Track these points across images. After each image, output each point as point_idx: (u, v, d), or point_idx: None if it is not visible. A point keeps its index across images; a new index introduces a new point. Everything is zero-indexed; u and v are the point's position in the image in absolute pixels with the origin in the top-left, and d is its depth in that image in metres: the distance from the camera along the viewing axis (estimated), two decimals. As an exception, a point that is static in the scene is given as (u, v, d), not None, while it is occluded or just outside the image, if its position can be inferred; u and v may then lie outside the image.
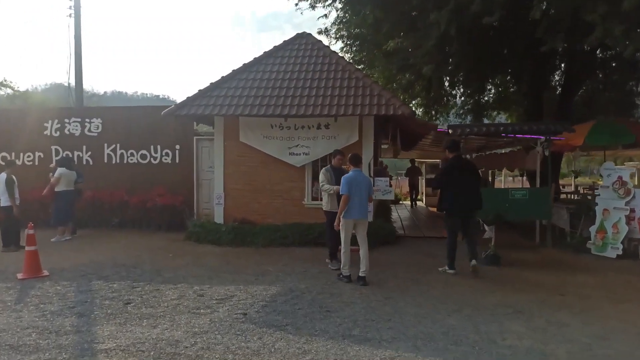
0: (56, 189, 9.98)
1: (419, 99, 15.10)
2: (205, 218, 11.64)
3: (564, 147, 12.20)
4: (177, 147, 12.00)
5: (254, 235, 9.49)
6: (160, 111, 11.67)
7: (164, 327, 4.70)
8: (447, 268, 7.03)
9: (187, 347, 4.17)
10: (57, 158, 11.44)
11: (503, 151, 15.24)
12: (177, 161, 12.03)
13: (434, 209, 17.44)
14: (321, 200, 10.13)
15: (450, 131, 9.19)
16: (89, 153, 12.17)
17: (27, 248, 6.98)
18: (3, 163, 10.99)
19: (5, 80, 28.23)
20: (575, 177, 19.74)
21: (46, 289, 6.15)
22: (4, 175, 9.67)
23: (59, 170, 10.04)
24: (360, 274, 6.47)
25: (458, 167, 7.04)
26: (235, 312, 5.14)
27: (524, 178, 18.95)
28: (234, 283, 6.46)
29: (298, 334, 4.47)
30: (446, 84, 14.38)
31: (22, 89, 32.12)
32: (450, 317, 4.97)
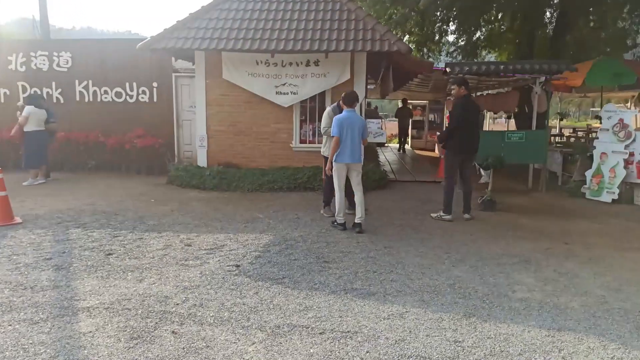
0: (25, 129, 9.27)
1: (411, 36, 14.35)
2: (187, 161, 11.14)
3: (558, 87, 11.84)
4: (155, 84, 11.26)
5: (240, 180, 9.07)
6: (135, 45, 10.82)
7: (150, 281, 4.34)
8: (442, 214, 6.76)
9: (177, 304, 3.84)
10: (25, 95, 10.60)
11: (489, 92, 14.83)
12: (155, 100, 11.31)
13: (421, 152, 17.24)
14: (311, 143, 9.76)
15: (447, 69, 8.67)
16: (59, 90, 11.33)
17: (-5, 194, 6.45)
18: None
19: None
20: (561, 119, 19.58)
21: (19, 238, 5.70)
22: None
23: (27, 108, 9.29)
24: (355, 221, 6.18)
25: (471, 105, 6.75)
26: (227, 264, 4.81)
27: (510, 121, 18.73)
28: (222, 231, 6.11)
29: (297, 288, 4.18)
30: (439, 19, 13.62)
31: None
32: (455, 268, 4.73)
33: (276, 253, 5.18)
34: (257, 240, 5.66)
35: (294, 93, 9.32)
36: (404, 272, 4.62)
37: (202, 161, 9.87)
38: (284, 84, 9.35)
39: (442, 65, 11.37)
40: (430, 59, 15.66)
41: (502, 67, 8.68)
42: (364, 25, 9.02)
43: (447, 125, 6.89)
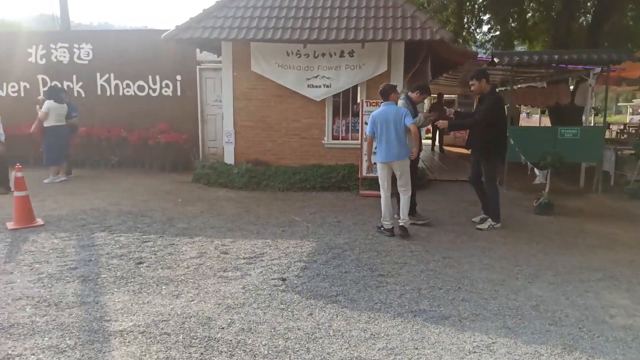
0: (45, 124, 8.86)
1: (447, 25, 13.62)
2: (211, 158, 10.68)
3: (610, 80, 11.06)
4: (178, 78, 10.78)
5: (269, 178, 8.55)
6: (158, 36, 10.33)
7: (188, 297, 3.84)
8: (493, 223, 5.98)
9: (222, 327, 3.32)
10: (45, 89, 10.21)
11: (530, 85, 14.05)
12: (178, 94, 10.84)
13: (450, 148, 16.46)
14: (344, 139, 9.19)
15: (495, 59, 8.00)
16: (80, 83, 10.92)
17: (16, 194, 6.01)
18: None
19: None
20: (595, 114, 18.68)
21: (41, 243, 5.25)
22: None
23: (47, 103, 8.88)
24: (400, 223, 5.63)
25: (502, 102, 6.07)
26: (272, 277, 4.28)
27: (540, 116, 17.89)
28: (259, 236, 5.59)
29: (356, 309, 3.64)
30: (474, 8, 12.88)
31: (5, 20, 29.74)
32: (532, 285, 4.14)
33: (323, 264, 4.64)
34: (300, 248, 5.13)
35: (327, 86, 8.75)
36: (474, 289, 4.04)
37: (229, 158, 9.38)
38: (316, 77, 8.78)
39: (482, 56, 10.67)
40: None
41: (556, 57, 7.98)
42: (403, 12, 8.39)
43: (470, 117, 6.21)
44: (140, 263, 4.64)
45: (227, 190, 8.46)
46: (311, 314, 3.55)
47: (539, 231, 5.91)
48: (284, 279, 4.22)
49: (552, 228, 6.08)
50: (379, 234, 5.68)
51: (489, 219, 6.07)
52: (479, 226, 6.03)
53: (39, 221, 6.10)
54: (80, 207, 6.94)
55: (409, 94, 6.26)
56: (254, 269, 4.49)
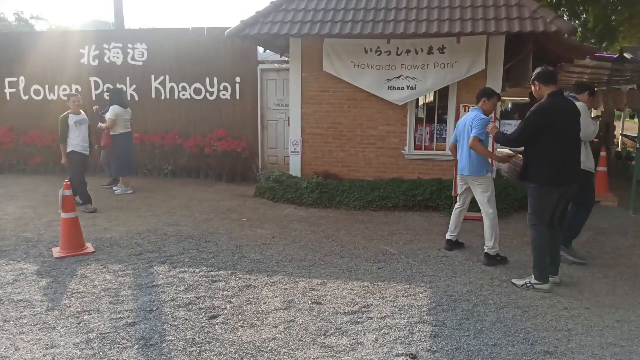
0: (111, 133, 8.13)
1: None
2: (271, 167, 9.68)
3: None
4: (237, 79, 9.81)
5: (343, 194, 7.42)
6: (217, 34, 9.49)
7: (287, 384, 2.74)
8: (533, 281, 4.19)
9: None
10: (107, 92, 9.49)
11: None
12: (237, 97, 9.89)
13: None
14: (427, 149, 7.95)
15: (627, 55, 6.55)
16: (134, 86, 10.15)
17: (63, 215, 5.13)
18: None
19: (39, 16, 26.20)
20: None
21: (91, 279, 4.31)
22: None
23: (113, 108, 8.14)
24: (484, 249, 4.89)
25: (562, 111, 4.08)
26: (395, 350, 3.12)
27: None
28: (353, 276, 4.45)
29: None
30: None
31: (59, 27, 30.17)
32: None
33: (456, 328, 3.44)
34: (413, 299, 3.95)
35: (412, 88, 7.53)
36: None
37: (294, 169, 8.32)
38: (398, 77, 7.58)
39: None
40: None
41: None
42: (506, 0, 7.08)
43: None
44: (213, 317, 3.59)
45: (295, 207, 7.40)
46: None
47: None
48: (414, 357, 3.05)
49: None
50: (506, 280, 4.41)
51: (530, 277, 4.24)
52: (515, 280, 4.36)
53: (89, 247, 5.20)
54: (135, 228, 6.02)
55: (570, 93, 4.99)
56: (364, 334, 3.34)
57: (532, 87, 4.37)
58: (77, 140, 6.93)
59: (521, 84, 8.70)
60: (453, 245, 5.35)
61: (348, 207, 7.29)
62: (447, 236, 5.38)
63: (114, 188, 8.36)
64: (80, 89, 10.22)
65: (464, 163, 5.00)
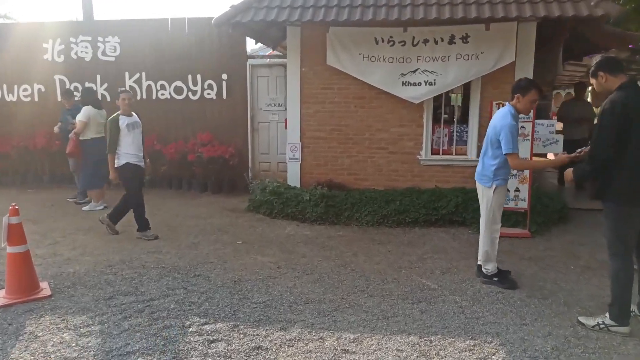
0: (81, 138, 6.92)
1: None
2: (262, 175, 8.59)
3: None
4: (224, 76, 8.69)
5: (353, 208, 6.39)
6: (201, 24, 8.36)
7: None
8: (609, 322, 3.27)
9: None
10: (80, 92, 8.22)
11: None
12: (223, 97, 8.76)
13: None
14: (446, 154, 6.96)
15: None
16: (105, 85, 8.93)
17: (9, 249, 3.95)
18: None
19: (8, 15, 24.42)
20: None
21: (43, 342, 3.17)
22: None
23: (85, 110, 6.97)
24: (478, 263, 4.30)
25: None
26: None
27: None
28: (393, 326, 3.39)
29: None
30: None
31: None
32: None
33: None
34: (486, 364, 2.91)
35: (430, 84, 6.52)
36: None
37: (293, 179, 7.23)
38: (414, 71, 6.56)
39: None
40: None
41: None
42: (539, -19, 6.13)
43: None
44: (215, 408, 2.49)
45: (297, 224, 6.32)
46: None
47: None
48: None
49: None
50: (592, 328, 3.40)
51: (604, 316, 3.32)
52: (582, 318, 3.46)
53: (45, 289, 4.04)
54: (105, 258, 4.86)
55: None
56: None
57: (594, 81, 3.39)
58: (130, 149, 5.54)
59: (549, 77, 7.76)
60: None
61: (359, 224, 6.25)
62: (479, 261, 4.38)
63: (84, 208, 7.09)
64: (43, 89, 8.96)
65: (478, 167, 4.29)
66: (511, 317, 3.55)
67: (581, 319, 3.43)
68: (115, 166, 5.54)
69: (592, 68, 3.41)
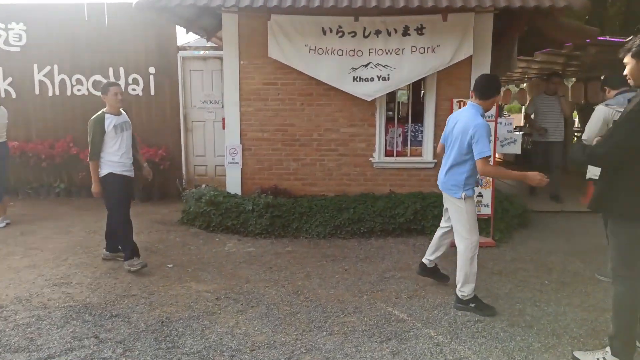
0: None
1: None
2: (198, 180, 7.75)
3: None
4: (152, 70, 7.73)
5: (302, 218, 5.70)
6: (124, 11, 7.36)
7: None
8: (609, 357, 2.79)
9: None
10: None
11: None
12: (151, 93, 7.80)
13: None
14: (400, 155, 6.42)
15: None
16: (9, 80, 7.67)
17: None
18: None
19: None
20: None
21: None
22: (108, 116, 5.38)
23: None
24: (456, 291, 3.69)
25: None
26: None
27: None
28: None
29: None
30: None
31: None
32: None
33: None
34: None
35: (384, 79, 5.93)
36: None
37: (233, 186, 6.42)
38: (366, 65, 5.94)
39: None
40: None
41: None
42: (498, -31, 5.69)
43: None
44: None
45: (239, 238, 5.54)
46: None
47: None
48: None
49: None
50: (588, 361, 2.93)
51: (605, 351, 2.85)
52: (577, 355, 2.95)
53: None
54: (5, 293, 3.87)
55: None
56: None
57: (633, 62, 2.80)
58: (114, 157, 4.49)
59: (502, 73, 7.44)
60: (427, 271, 4.13)
61: (310, 236, 5.58)
62: (423, 259, 4.12)
63: None
64: None
65: (441, 175, 3.82)
66: (497, 356, 3.00)
67: (577, 354, 2.94)
68: (101, 174, 4.49)
69: (630, 49, 2.70)
